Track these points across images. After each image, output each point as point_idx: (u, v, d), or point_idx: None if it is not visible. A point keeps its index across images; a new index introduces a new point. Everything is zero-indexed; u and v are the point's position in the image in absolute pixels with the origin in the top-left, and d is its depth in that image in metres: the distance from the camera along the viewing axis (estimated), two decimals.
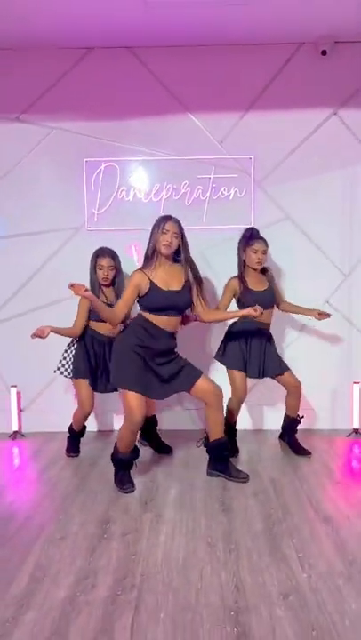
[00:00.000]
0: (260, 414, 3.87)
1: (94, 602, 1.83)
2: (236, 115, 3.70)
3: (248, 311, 2.84)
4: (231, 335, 3.28)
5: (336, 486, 2.83)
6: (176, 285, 2.78)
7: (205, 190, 3.71)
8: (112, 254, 3.24)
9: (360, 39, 3.57)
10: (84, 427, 3.37)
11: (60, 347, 3.29)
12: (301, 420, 3.39)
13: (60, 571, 2.04)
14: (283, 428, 3.46)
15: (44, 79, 3.67)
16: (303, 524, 2.40)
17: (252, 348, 3.24)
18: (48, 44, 3.60)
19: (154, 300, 2.74)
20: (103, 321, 3.02)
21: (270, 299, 3.26)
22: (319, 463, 3.18)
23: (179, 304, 2.79)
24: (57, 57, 3.65)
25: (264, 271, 3.30)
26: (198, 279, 2.85)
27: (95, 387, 3.27)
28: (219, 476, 2.94)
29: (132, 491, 2.78)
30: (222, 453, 2.93)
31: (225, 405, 3.15)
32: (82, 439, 3.43)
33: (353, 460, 3.29)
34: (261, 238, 3.20)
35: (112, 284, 3.27)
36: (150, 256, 2.79)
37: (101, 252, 3.23)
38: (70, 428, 3.38)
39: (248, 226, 3.60)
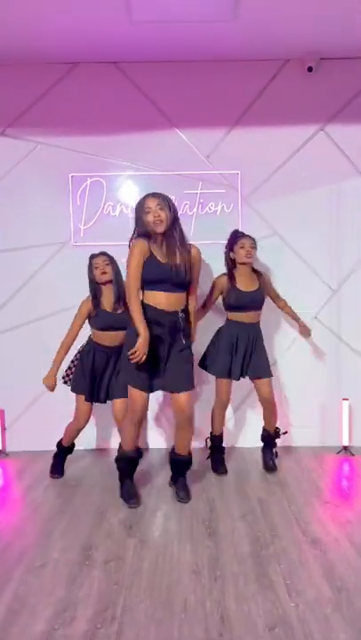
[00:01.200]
0: (248, 431, 3.81)
1: (73, 636, 1.76)
2: (223, 130, 3.69)
3: None
4: (218, 341, 3.27)
5: (324, 506, 2.78)
6: (177, 260, 2.68)
7: (193, 205, 3.69)
8: (106, 253, 3.20)
9: (346, 55, 3.59)
10: (73, 444, 3.30)
11: (43, 365, 3.21)
12: (281, 436, 3.36)
13: (39, 602, 1.96)
14: (261, 438, 3.40)
15: (29, 94, 3.64)
16: (291, 547, 2.34)
17: (238, 349, 3.21)
18: (34, 59, 3.57)
19: (151, 271, 2.65)
20: (107, 330, 3.06)
21: (260, 299, 3.25)
22: (308, 482, 3.13)
23: (177, 278, 2.68)
24: (42, 72, 3.62)
25: (257, 273, 3.30)
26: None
27: (92, 398, 3.17)
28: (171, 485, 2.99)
29: (137, 506, 2.78)
30: (179, 468, 2.94)
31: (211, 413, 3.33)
32: (68, 458, 3.34)
33: (342, 478, 3.24)
34: (248, 235, 3.23)
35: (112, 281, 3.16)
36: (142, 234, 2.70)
37: (95, 254, 3.20)
38: (59, 444, 3.30)
39: None
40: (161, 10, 2.99)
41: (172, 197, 3.62)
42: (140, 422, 2.83)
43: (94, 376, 3.16)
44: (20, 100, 3.65)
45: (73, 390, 3.18)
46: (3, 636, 1.77)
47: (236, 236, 3.25)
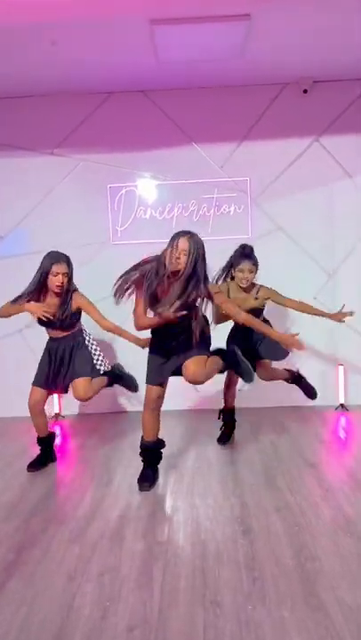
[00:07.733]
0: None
1: None
2: (234, 143, 4.43)
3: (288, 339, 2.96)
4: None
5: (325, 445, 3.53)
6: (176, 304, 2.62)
7: (210, 207, 4.45)
8: (67, 260, 3.04)
9: (334, 79, 4.30)
10: (52, 433, 3.29)
11: None
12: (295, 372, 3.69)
13: None
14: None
15: (73, 119, 4.42)
16: (293, 469, 3.10)
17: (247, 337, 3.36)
18: (76, 91, 4.34)
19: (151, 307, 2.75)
20: (55, 328, 3.13)
21: (258, 314, 3.35)
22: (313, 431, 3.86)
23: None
24: (83, 100, 4.39)
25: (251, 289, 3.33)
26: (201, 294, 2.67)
27: (55, 387, 3.20)
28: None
29: (148, 489, 2.82)
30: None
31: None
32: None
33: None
34: (249, 257, 3.26)
35: (63, 294, 3.07)
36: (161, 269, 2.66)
37: (57, 258, 2.97)
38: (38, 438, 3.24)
39: (247, 236, 4.34)
40: (182, 52, 3.72)
41: (193, 201, 4.46)
42: (157, 410, 2.90)
43: (56, 365, 3.13)
44: (65, 125, 4.43)
45: (33, 382, 3.16)
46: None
47: (240, 255, 3.27)
